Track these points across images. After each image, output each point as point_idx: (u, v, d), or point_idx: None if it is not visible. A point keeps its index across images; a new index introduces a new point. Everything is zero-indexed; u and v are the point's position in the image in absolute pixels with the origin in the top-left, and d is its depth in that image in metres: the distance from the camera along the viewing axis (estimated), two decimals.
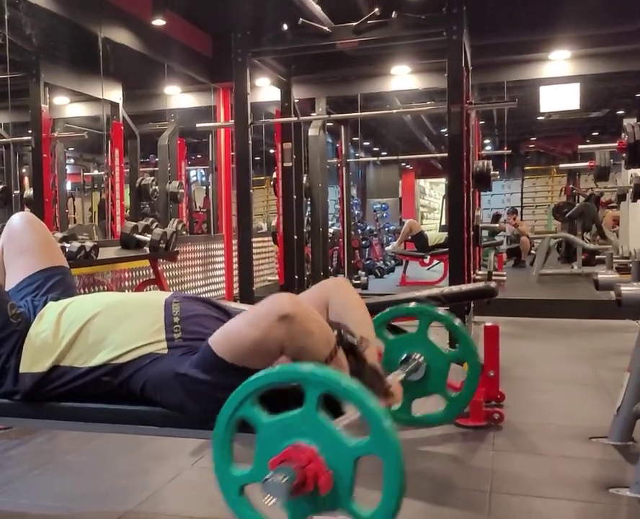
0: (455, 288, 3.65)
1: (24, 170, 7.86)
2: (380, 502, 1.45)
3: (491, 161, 6.11)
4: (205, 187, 12.74)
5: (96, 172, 9.79)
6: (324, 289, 2.03)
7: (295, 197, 6.44)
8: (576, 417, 3.40)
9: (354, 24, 5.28)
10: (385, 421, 1.41)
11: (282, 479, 1.39)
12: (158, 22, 6.01)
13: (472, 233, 5.77)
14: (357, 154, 13.34)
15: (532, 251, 11.34)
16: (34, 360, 1.81)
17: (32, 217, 2.18)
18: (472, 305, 5.47)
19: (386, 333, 2.73)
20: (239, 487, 1.55)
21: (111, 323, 1.81)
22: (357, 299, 2.02)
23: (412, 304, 2.88)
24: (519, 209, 16.30)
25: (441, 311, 2.83)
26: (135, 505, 2.41)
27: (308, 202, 7.67)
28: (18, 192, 7.17)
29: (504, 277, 6.00)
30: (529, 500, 2.43)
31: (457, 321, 2.73)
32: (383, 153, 16.21)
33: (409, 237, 10.33)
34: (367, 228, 12.41)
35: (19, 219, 2.12)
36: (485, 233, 9.80)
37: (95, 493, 2.57)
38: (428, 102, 9.05)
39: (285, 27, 5.49)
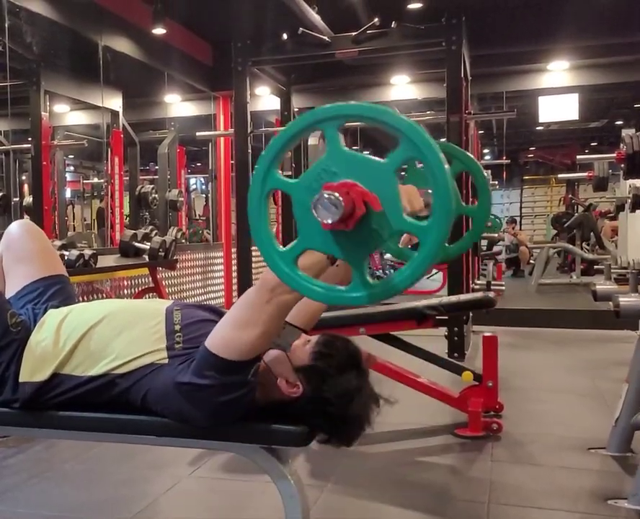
0: (453, 298, 3.66)
1: (23, 177, 7.87)
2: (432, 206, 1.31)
3: (490, 171, 6.14)
4: (204, 196, 12.75)
5: (95, 180, 9.81)
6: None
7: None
8: (574, 427, 3.40)
9: (353, 33, 5.30)
10: (409, 123, 1.29)
11: (330, 197, 1.27)
12: (159, 31, 6.03)
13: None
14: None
15: (531, 261, 11.35)
16: (34, 369, 1.80)
17: (32, 225, 2.17)
18: (471, 314, 5.48)
19: None
20: (293, 258, 1.37)
21: (111, 332, 1.80)
22: None
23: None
24: (518, 219, 16.31)
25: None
26: (133, 514, 2.41)
27: None
28: (17, 199, 7.18)
29: (503, 287, 5.99)
30: (527, 511, 2.43)
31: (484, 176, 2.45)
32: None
33: (409, 246, 10.32)
34: None
35: (18, 227, 2.12)
36: (484, 242, 9.80)
37: (93, 502, 2.56)
38: (427, 112, 9.07)
39: (285, 36, 5.51)
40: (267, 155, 1.37)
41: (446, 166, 1.27)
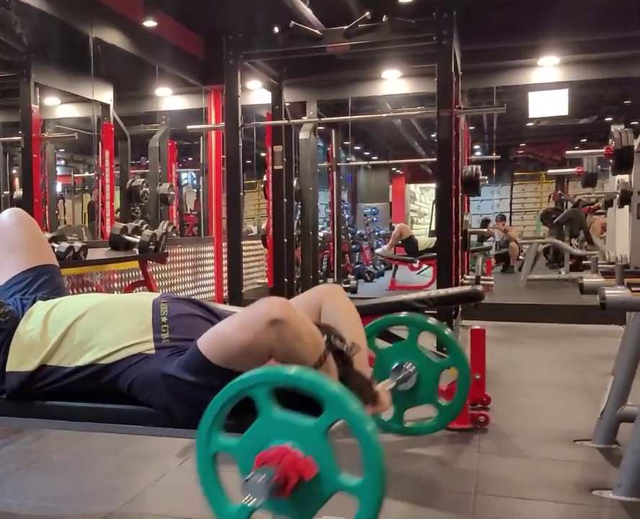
0: (442, 292, 3.67)
1: (14, 171, 7.84)
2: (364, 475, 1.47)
3: (480, 166, 6.15)
4: (195, 190, 12.72)
5: (86, 174, 9.77)
6: (317, 294, 2.04)
7: (285, 200, 6.44)
8: (561, 420, 3.43)
9: (345, 27, 5.30)
10: (337, 389, 1.46)
11: (261, 478, 1.41)
12: (150, 23, 6.02)
13: (460, 237, 5.79)
14: (347, 158, 13.35)
15: (521, 257, 11.40)
16: (21, 359, 1.81)
17: (23, 213, 2.16)
18: (460, 309, 5.50)
19: (377, 342, 2.75)
20: (214, 453, 1.60)
21: (98, 323, 1.81)
22: (350, 306, 2.03)
23: (403, 314, 2.88)
24: (508, 215, 16.36)
25: (431, 320, 2.83)
26: (120, 505, 2.42)
27: (299, 206, 7.68)
28: (8, 192, 7.16)
29: (492, 282, 6.03)
30: (513, 502, 2.45)
31: (447, 331, 2.74)
32: (374, 158, 16.24)
33: (399, 241, 10.36)
34: (358, 232, 12.44)
35: (9, 215, 2.12)
36: (474, 238, 9.84)
37: (81, 493, 2.57)
38: (418, 107, 9.09)
39: (277, 29, 5.50)
40: (205, 421, 1.54)
41: (369, 427, 1.43)
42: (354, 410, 1.42)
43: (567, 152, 6.70)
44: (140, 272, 5.43)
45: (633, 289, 2.58)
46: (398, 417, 2.76)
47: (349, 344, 1.77)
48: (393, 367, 2.64)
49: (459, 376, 2.72)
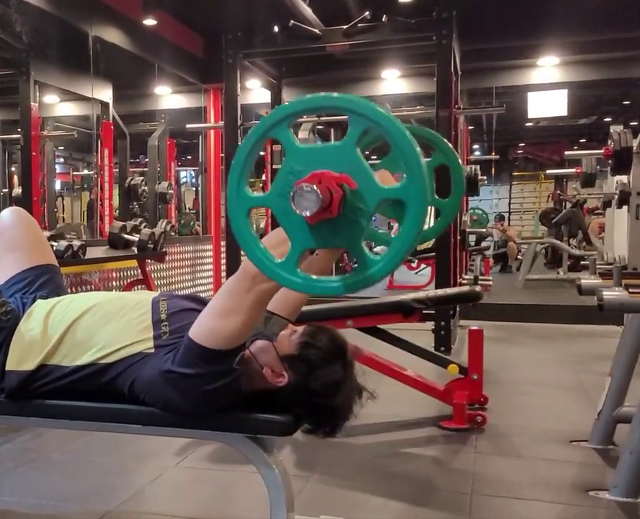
0: (440, 292, 3.69)
1: (13, 169, 7.85)
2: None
3: (479, 166, 6.16)
4: (194, 189, 12.74)
5: (85, 172, 9.78)
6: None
7: None
8: (558, 420, 3.43)
9: (344, 27, 5.31)
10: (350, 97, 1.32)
11: (307, 188, 1.28)
12: (149, 22, 6.03)
13: (459, 237, 5.80)
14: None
15: (519, 257, 11.40)
16: (21, 358, 1.81)
17: (23, 212, 2.15)
18: (458, 309, 5.51)
19: None
20: (248, 209, 1.40)
21: (98, 322, 1.81)
22: None
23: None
24: (506, 215, 16.37)
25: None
26: (118, 504, 2.42)
27: None
28: (7, 190, 7.16)
29: (491, 282, 6.03)
30: (510, 502, 2.46)
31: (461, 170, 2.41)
32: (373, 157, 16.19)
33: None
34: None
35: (9, 214, 2.11)
36: (472, 237, 9.83)
37: (79, 491, 2.57)
38: (417, 107, 9.09)
39: (276, 28, 5.51)
40: (232, 177, 1.38)
41: (401, 125, 1.27)
42: (381, 114, 1.28)
43: (566, 152, 6.70)
44: (139, 271, 5.44)
45: (630, 290, 2.58)
46: None
47: (351, 348, 1.78)
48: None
49: (451, 171, 2.40)
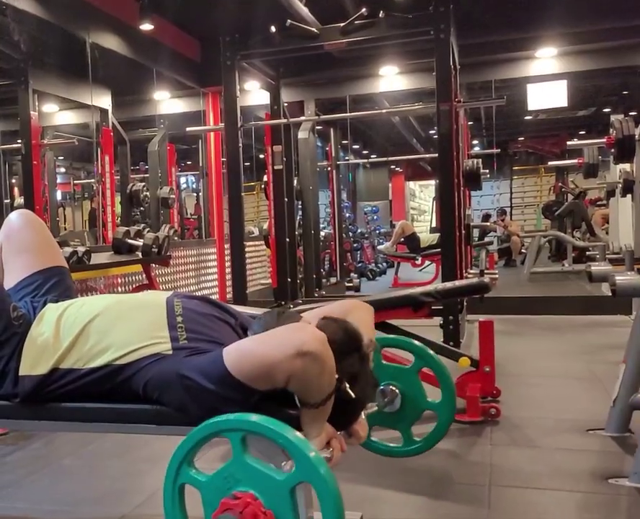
0: (448, 284, 3.66)
1: (13, 180, 7.84)
2: None
3: (480, 160, 6.14)
4: (195, 194, 12.72)
5: (86, 180, 9.76)
6: (346, 306, 1.98)
7: (286, 200, 6.43)
8: (572, 410, 3.41)
9: (341, 25, 5.29)
10: (307, 449, 1.45)
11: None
12: (146, 27, 6.01)
13: (463, 232, 5.78)
14: (346, 157, 13.36)
15: (523, 251, 11.38)
16: (34, 363, 1.79)
17: (31, 214, 2.13)
18: (465, 303, 5.48)
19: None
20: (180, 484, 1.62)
21: (111, 324, 1.79)
22: (372, 320, 1.99)
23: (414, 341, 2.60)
24: (508, 209, 16.35)
25: (435, 357, 2.54)
26: (133, 508, 2.40)
27: (299, 205, 7.67)
28: (8, 201, 7.15)
29: (497, 275, 6.00)
30: (528, 492, 2.43)
31: (446, 372, 2.56)
32: (373, 156, 16.23)
33: (402, 239, 10.34)
34: (358, 230, 12.43)
35: (18, 217, 2.09)
36: (476, 232, 9.82)
37: (93, 496, 2.55)
38: (417, 103, 9.08)
39: (273, 29, 5.49)
40: (178, 453, 1.59)
41: (333, 484, 1.41)
42: (322, 473, 1.42)
43: (568, 143, 6.69)
44: (144, 276, 5.42)
45: None
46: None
47: (366, 341, 1.74)
48: (380, 386, 2.39)
49: (439, 418, 2.48)
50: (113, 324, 1.78)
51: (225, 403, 1.58)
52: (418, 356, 2.45)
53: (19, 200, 6.56)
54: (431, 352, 2.49)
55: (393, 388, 2.41)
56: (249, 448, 1.52)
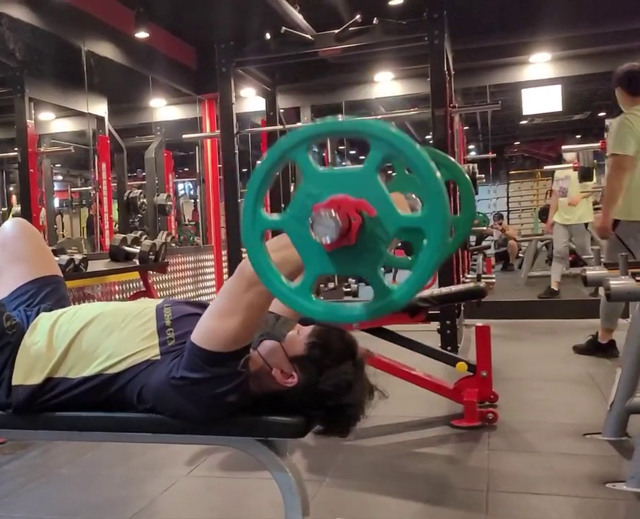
0: (445, 289, 3.66)
1: (11, 188, 7.84)
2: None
3: (476, 164, 6.15)
4: (193, 201, 12.73)
5: (83, 188, 9.76)
6: None
7: (283, 206, 6.44)
8: (569, 414, 3.41)
9: (336, 31, 5.31)
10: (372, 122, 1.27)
11: (326, 214, 1.24)
12: (142, 35, 6.02)
13: None
14: (343, 162, 13.33)
15: (520, 255, 11.38)
16: (27, 372, 1.78)
17: (26, 223, 2.12)
18: (462, 308, 5.49)
19: None
20: (262, 231, 1.35)
21: (102, 332, 1.79)
22: None
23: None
24: (505, 213, 16.35)
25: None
26: (132, 515, 2.40)
27: None
28: (5, 209, 7.16)
29: (494, 280, 6.02)
30: (526, 497, 2.44)
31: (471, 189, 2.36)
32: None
33: (399, 243, 10.31)
34: None
35: (12, 226, 2.08)
36: (472, 237, 9.81)
37: (91, 504, 2.55)
38: (412, 108, 9.09)
39: (268, 36, 5.51)
40: (248, 199, 1.34)
41: (423, 153, 1.22)
42: (403, 140, 1.24)
43: (563, 147, 6.68)
44: (141, 283, 5.42)
45: (637, 278, 2.56)
46: None
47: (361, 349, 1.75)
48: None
49: (460, 190, 2.36)
50: (105, 331, 1.78)
51: (217, 382, 1.57)
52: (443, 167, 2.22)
53: (17, 208, 6.56)
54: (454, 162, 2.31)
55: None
56: None
